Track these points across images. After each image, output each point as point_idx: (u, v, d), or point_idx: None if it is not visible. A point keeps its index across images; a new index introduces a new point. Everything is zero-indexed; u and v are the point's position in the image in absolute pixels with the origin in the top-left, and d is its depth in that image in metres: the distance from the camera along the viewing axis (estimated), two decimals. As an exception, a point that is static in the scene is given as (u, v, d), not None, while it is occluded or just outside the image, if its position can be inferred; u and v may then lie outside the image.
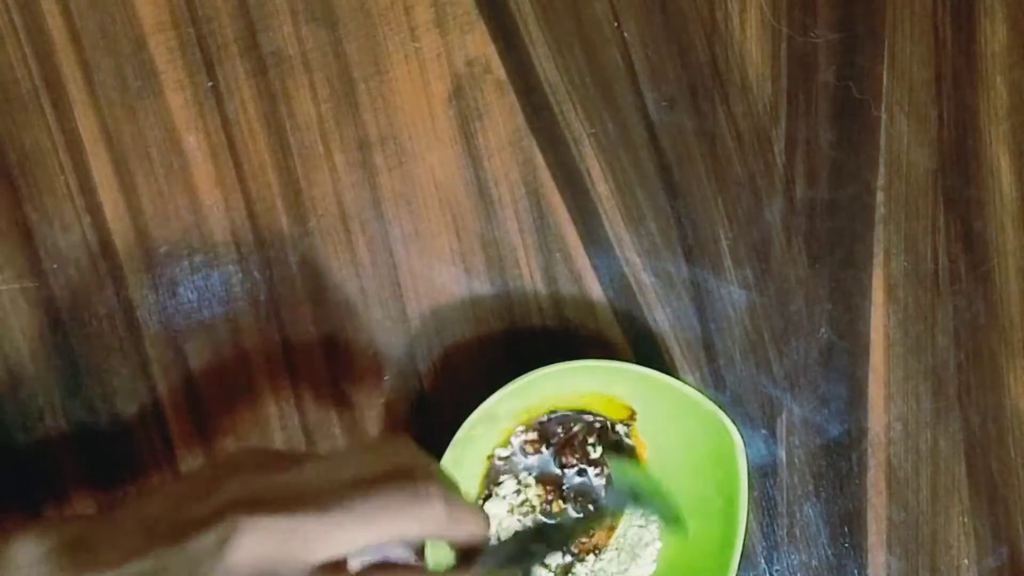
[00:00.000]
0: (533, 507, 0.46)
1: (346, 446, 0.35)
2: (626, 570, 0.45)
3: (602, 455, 0.46)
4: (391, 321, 0.46)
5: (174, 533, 0.30)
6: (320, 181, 0.46)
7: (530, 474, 0.46)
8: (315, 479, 0.32)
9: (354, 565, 0.31)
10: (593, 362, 0.43)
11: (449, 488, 0.32)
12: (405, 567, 0.32)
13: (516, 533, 0.44)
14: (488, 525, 0.34)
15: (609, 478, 0.46)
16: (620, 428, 0.46)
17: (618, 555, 0.46)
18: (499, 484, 0.45)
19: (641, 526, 0.46)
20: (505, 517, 0.46)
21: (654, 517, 0.46)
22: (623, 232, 0.48)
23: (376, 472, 0.32)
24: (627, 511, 0.46)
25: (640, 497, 0.43)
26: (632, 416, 0.46)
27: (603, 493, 0.46)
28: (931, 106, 0.50)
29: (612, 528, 0.47)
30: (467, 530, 0.32)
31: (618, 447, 0.47)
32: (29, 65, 0.44)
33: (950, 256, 0.50)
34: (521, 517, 0.46)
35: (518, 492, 0.46)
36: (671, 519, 0.42)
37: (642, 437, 0.47)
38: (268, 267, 0.45)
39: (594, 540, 0.46)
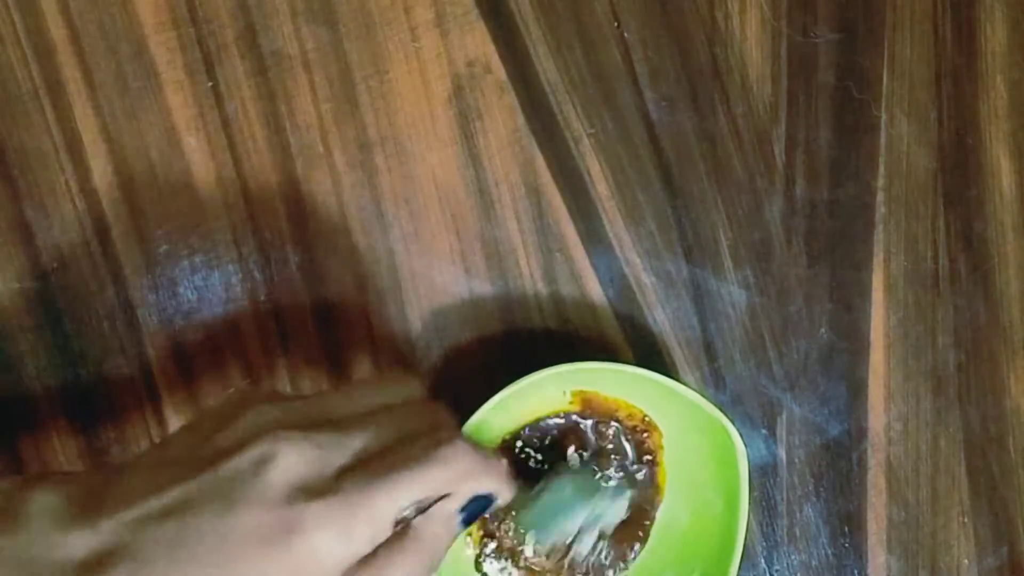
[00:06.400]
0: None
1: (355, 385, 0.36)
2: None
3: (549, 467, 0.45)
4: (391, 321, 0.46)
5: (202, 463, 0.30)
6: (320, 181, 0.46)
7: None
8: (336, 407, 0.33)
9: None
10: (592, 364, 0.43)
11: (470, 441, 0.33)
12: (441, 512, 0.33)
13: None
14: (507, 469, 0.35)
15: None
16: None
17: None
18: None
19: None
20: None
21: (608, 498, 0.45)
22: (623, 232, 0.48)
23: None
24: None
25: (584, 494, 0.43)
26: (644, 420, 0.46)
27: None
28: (931, 106, 0.50)
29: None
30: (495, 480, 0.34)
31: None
32: (29, 65, 0.44)
33: (950, 256, 0.50)
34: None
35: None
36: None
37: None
38: (268, 267, 0.45)
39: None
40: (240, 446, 0.30)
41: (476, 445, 0.33)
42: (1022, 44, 0.51)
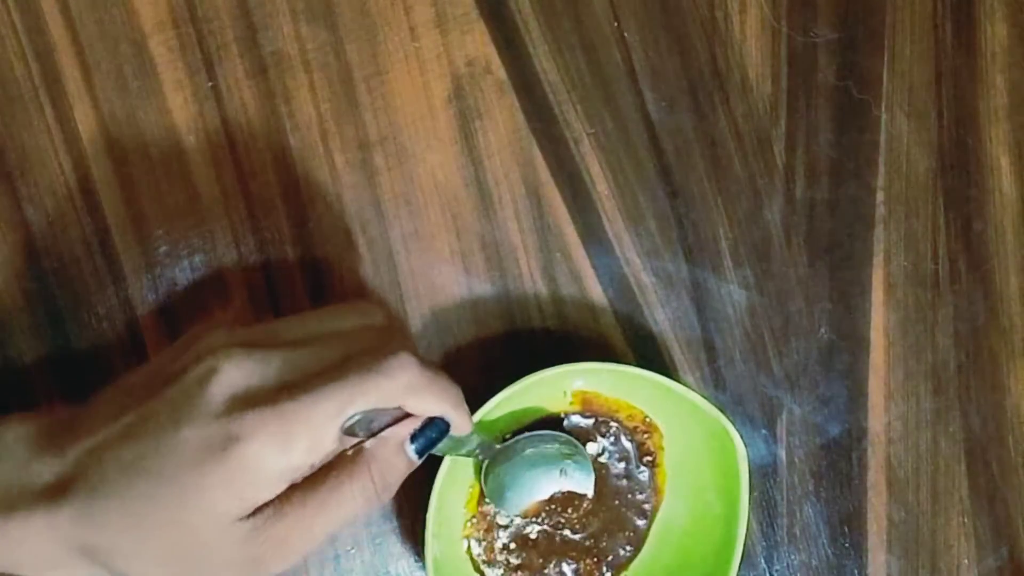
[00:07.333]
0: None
1: (312, 311, 0.37)
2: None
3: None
4: (391, 321, 0.46)
5: (154, 388, 0.32)
6: (320, 181, 0.46)
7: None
8: (288, 330, 0.34)
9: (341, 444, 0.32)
10: (592, 364, 0.43)
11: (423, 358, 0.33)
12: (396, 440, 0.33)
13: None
14: (459, 394, 0.34)
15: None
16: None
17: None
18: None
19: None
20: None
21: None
22: (623, 232, 0.48)
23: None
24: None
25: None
26: (645, 420, 0.46)
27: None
28: (931, 106, 0.50)
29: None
30: (446, 396, 0.34)
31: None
32: (29, 65, 0.44)
33: (950, 256, 0.50)
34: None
35: None
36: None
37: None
38: (268, 267, 0.45)
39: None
40: (188, 367, 0.31)
41: (425, 361, 0.33)
42: (1022, 44, 0.51)
